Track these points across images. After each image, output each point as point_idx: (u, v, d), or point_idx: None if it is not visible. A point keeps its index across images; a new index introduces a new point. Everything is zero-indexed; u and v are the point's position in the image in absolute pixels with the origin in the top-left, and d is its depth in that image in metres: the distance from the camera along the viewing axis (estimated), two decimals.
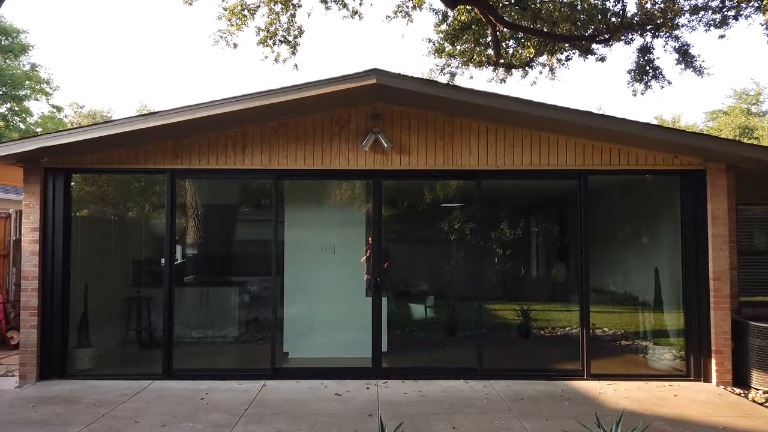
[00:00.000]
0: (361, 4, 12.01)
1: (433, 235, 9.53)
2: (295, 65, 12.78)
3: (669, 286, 7.28)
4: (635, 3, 11.55)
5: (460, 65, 13.42)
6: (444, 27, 12.86)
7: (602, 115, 6.44)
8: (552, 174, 6.88)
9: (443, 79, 13.38)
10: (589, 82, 54.99)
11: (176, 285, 7.01)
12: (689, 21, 11.66)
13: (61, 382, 6.47)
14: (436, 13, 12.76)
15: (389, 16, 12.45)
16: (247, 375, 6.68)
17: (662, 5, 11.35)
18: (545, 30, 11.79)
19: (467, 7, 11.70)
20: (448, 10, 12.26)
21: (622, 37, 11.94)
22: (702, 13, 11.40)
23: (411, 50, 66.53)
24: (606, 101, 51.27)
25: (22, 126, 25.58)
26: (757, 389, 6.40)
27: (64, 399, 5.85)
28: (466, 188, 8.11)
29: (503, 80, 13.68)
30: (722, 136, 22.77)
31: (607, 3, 11.66)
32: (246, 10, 11.29)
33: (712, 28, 11.53)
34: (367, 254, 7.18)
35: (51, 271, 6.60)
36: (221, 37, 11.47)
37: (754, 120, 30.88)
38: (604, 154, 6.75)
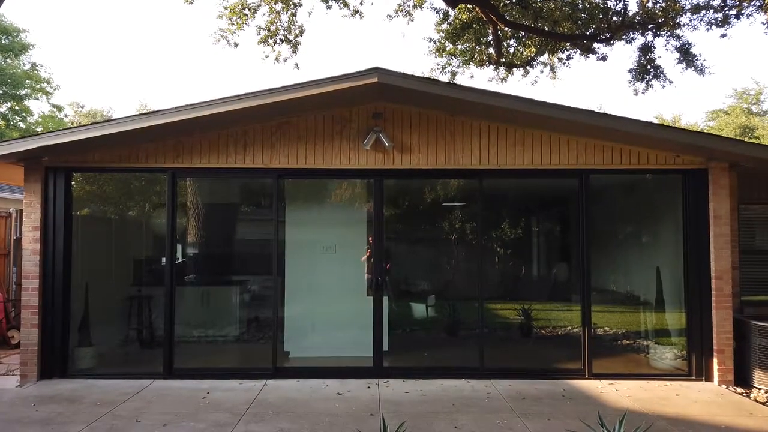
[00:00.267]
0: (362, 3, 11.98)
1: (435, 235, 9.51)
2: (296, 64, 12.78)
3: (671, 285, 7.27)
4: (636, 2, 11.57)
5: (461, 64, 13.40)
6: (445, 26, 12.84)
7: (604, 113, 6.42)
8: (554, 173, 6.87)
9: (444, 78, 13.37)
10: (590, 82, 54.99)
11: (177, 284, 7.00)
12: (690, 20, 11.65)
13: (62, 381, 6.46)
14: (437, 12, 12.75)
15: (390, 15, 12.44)
16: (248, 374, 6.67)
17: (663, 4, 11.34)
18: (546, 29, 11.77)
19: (468, 6, 11.68)
20: (449, 9, 12.25)
21: (624, 36, 11.92)
22: (703, 12, 11.39)
23: (412, 49, 66.52)
24: (607, 101, 51.25)
25: (22, 125, 25.57)
26: (759, 389, 6.39)
27: (65, 398, 5.84)
28: (467, 187, 8.10)
29: (504, 79, 13.66)
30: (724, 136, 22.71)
31: (609, 2, 11.65)
32: (247, 9, 11.26)
33: (713, 27, 11.52)
34: (368, 253, 7.18)
35: (52, 270, 6.59)
36: (222, 36, 11.43)
37: (754, 120, 30.86)
38: (605, 154, 6.74)
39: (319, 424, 5.11)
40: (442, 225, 9.17)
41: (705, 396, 6.06)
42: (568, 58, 13.12)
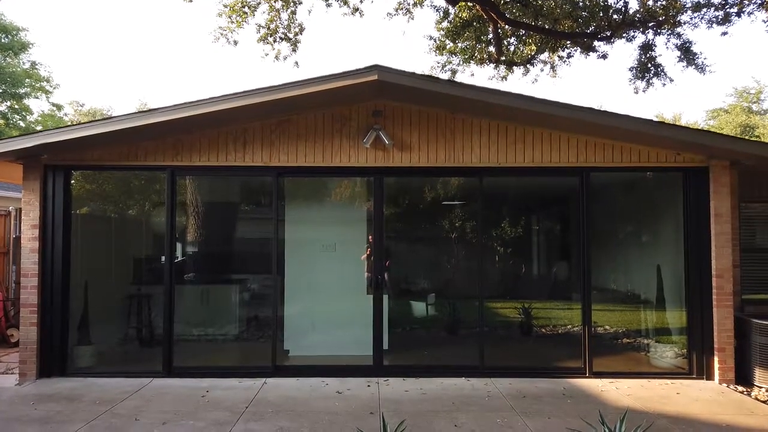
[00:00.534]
0: (361, 1, 11.94)
1: (435, 233, 9.49)
2: (296, 63, 12.84)
3: (671, 283, 7.25)
4: (637, 0, 11.52)
5: (461, 62, 13.36)
6: (445, 24, 12.81)
7: (605, 111, 6.40)
8: (554, 171, 6.85)
9: (444, 76, 13.33)
10: (591, 80, 54.94)
11: (177, 283, 6.99)
12: (691, 18, 11.61)
13: (61, 379, 6.45)
14: (437, 11, 12.72)
15: (390, 14, 12.42)
16: (247, 373, 6.66)
17: (664, 2, 11.31)
18: (547, 27, 11.74)
19: (469, 4, 11.66)
20: (450, 7, 12.22)
21: (624, 35, 11.89)
22: (704, 10, 11.34)
23: (412, 48, 66.48)
24: (607, 99, 51.24)
25: (22, 124, 25.55)
26: (760, 387, 6.37)
27: (64, 397, 5.83)
28: (467, 186, 8.08)
29: (504, 78, 13.62)
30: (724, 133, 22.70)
31: (609, 0, 11.61)
32: (246, 7, 11.23)
33: (714, 25, 11.47)
34: (368, 252, 7.16)
35: (51, 268, 6.58)
36: (221, 34, 11.41)
37: (755, 118, 30.84)
38: (606, 151, 6.72)
39: (318, 422, 5.10)
40: (443, 223, 9.15)
41: (706, 394, 6.04)
42: (569, 56, 13.09)
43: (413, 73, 6.14)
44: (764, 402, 5.88)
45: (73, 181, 6.89)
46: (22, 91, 25.00)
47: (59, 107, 28.71)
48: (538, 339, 8.45)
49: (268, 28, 11.61)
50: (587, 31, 11.73)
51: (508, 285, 9.56)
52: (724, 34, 14.81)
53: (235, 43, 11.60)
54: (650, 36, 12.09)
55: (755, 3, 10.78)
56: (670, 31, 11.80)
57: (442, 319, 8.77)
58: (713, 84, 52.33)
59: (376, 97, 6.65)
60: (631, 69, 12.75)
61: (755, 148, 6.42)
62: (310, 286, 7.47)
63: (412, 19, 12.45)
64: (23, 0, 46.34)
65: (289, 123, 6.72)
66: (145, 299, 7.66)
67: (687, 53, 11.91)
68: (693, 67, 12.01)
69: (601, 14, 11.46)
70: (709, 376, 6.56)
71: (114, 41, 56.91)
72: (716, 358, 6.48)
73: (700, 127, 30.94)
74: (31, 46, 25.17)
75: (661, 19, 11.30)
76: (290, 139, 6.71)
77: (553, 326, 8.69)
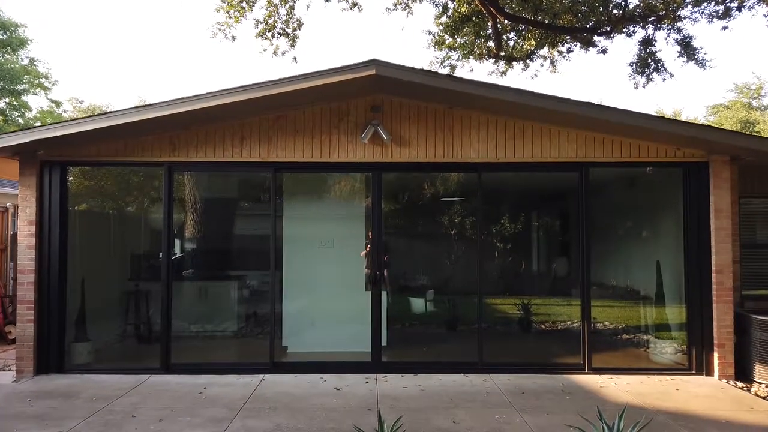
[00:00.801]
0: None
1: (434, 229, 9.46)
2: (294, 58, 12.67)
3: (671, 279, 7.23)
4: None
5: (460, 58, 13.33)
6: (444, 19, 12.77)
7: (604, 106, 6.36)
8: (553, 167, 6.81)
9: (443, 71, 13.29)
10: (591, 75, 54.81)
11: (174, 279, 6.97)
12: (691, 13, 11.57)
13: (58, 376, 6.43)
14: (436, 5, 12.67)
15: (389, 8, 12.39)
16: (245, 369, 6.64)
17: None
18: (546, 22, 11.69)
19: None
20: (449, 2, 12.19)
21: (624, 29, 11.84)
22: (704, 4, 11.30)
23: (411, 43, 66.35)
24: (607, 94, 51.14)
25: (20, 120, 25.48)
26: (760, 383, 6.36)
27: (61, 393, 5.81)
28: (466, 181, 8.05)
29: (504, 73, 13.59)
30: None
31: None
32: (244, 2, 11.18)
33: (714, 19, 11.43)
34: (367, 249, 7.13)
35: (48, 264, 6.55)
36: (219, 29, 11.36)
37: (755, 114, 30.76)
38: (605, 147, 6.68)
39: (316, 419, 5.08)
40: (441, 219, 9.12)
41: (705, 390, 6.02)
42: (569, 51, 13.06)
43: (411, 68, 6.09)
44: (764, 398, 5.86)
45: (70, 178, 6.86)
46: (20, 87, 24.91)
47: (58, 104, 28.62)
48: (537, 335, 8.44)
49: (267, 24, 11.56)
50: (587, 26, 11.69)
51: (507, 281, 9.55)
52: (725, 28, 14.67)
53: (234, 38, 11.57)
54: (650, 31, 12.06)
55: None
56: (670, 26, 11.76)
57: (441, 315, 8.75)
58: (713, 79, 52.22)
59: (375, 92, 6.60)
60: (631, 64, 12.72)
61: (755, 143, 6.39)
62: (309, 283, 7.45)
63: (411, 14, 12.44)
64: None
65: (287, 118, 6.68)
66: (143, 296, 7.64)
67: (687, 48, 11.87)
68: (693, 62, 11.98)
69: (601, 9, 11.42)
70: (709, 372, 6.54)
71: (113, 37, 56.78)
72: (716, 354, 6.46)
73: (700, 123, 30.92)
74: (29, 42, 25.05)
75: (661, 13, 11.26)
76: (288, 135, 6.67)
77: (552, 322, 8.68)
